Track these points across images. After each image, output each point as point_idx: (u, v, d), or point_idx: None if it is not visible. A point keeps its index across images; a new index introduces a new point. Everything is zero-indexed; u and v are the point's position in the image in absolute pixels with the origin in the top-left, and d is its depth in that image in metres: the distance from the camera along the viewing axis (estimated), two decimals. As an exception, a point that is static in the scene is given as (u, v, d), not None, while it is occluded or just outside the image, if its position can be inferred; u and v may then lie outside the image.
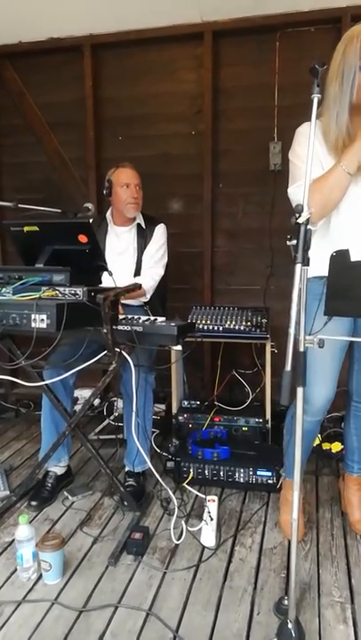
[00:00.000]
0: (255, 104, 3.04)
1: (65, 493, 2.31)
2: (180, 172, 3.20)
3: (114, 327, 1.81)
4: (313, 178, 1.71)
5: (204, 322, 2.67)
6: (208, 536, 1.96)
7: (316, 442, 2.65)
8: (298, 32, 2.91)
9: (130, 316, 2.00)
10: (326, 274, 1.62)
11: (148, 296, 2.53)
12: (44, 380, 2.10)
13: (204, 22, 2.97)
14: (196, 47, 3.05)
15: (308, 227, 1.73)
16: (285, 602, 1.56)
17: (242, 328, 2.62)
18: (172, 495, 2.14)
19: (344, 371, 1.97)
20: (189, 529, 2.03)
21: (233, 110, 3.10)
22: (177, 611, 1.62)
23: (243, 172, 3.13)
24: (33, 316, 1.65)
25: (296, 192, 1.75)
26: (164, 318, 2.03)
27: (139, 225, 2.58)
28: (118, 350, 1.84)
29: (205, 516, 2.01)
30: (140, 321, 1.96)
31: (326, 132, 1.71)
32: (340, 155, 1.65)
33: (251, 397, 2.91)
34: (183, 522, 2.07)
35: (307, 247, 1.30)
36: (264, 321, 2.65)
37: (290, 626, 1.43)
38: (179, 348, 1.98)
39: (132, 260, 2.52)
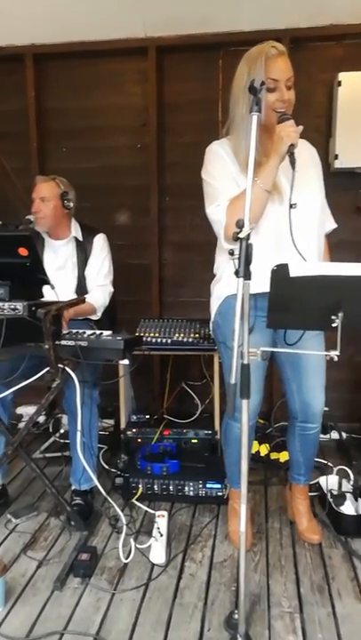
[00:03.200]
0: (200, 118, 3.08)
1: (8, 516, 2.21)
2: (127, 184, 3.19)
3: (57, 342, 1.76)
4: (230, 197, 1.73)
5: (152, 334, 2.66)
6: (158, 553, 1.93)
7: (265, 451, 2.69)
8: (240, 51, 2.96)
9: (75, 331, 1.95)
10: (234, 292, 1.60)
11: (99, 314, 2.45)
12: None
13: (147, 37, 2.99)
14: (140, 61, 3.07)
15: (228, 245, 1.75)
16: (236, 616, 1.55)
17: (190, 340, 2.63)
18: (120, 512, 2.09)
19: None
20: (138, 546, 1.99)
21: (179, 124, 3.13)
22: (126, 633, 1.58)
23: (190, 185, 3.12)
24: (-30, 333, 1.58)
25: (217, 212, 1.75)
26: (110, 332, 2.00)
27: (76, 238, 2.48)
28: (62, 366, 1.79)
29: (155, 532, 1.98)
30: (86, 335, 1.92)
31: (237, 152, 1.74)
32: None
33: (200, 409, 2.92)
34: (132, 539, 2.03)
35: (248, 261, 1.32)
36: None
37: (239, 640, 1.42)
38: (126, 362, 1.94)
39: (73, 274, 2.42)
